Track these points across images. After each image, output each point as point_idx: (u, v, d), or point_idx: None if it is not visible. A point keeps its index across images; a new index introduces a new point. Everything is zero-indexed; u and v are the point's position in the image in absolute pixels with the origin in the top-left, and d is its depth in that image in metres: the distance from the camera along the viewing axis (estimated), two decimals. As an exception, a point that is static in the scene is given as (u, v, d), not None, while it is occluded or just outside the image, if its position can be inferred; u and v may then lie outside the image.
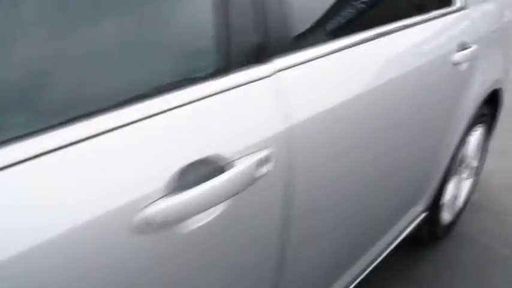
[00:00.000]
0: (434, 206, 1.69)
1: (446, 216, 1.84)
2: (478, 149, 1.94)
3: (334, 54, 0.92)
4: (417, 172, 1.43)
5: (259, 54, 0.78)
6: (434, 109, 1.35)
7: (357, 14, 1.05)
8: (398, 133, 1.17)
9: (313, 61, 0.87)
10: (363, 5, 1.07)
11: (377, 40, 1.06)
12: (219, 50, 0.73)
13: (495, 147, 2.20)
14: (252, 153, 0.72)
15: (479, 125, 1.81)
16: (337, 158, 0.94)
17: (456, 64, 1.36)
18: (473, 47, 1.43)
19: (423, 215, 1.64)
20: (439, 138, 1.47)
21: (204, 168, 0.67)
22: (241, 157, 0.71)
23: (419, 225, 1.63)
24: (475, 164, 1.97)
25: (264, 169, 0.74)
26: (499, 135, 2.13)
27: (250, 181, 0.71)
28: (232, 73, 0.74)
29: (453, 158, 1.65)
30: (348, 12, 1.02)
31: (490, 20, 1.66)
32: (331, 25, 0.97)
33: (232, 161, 0.70)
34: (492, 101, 1.82)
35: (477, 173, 2.03)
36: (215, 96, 0.71)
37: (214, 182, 0.66)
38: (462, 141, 1.67)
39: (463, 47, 1.39)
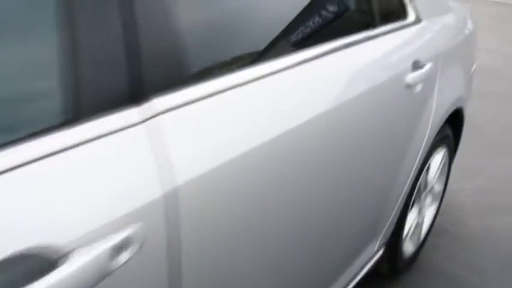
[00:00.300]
0: (395, 241, 1.52)
1: (408, 248, 1.69)
2: (442, 173, 1.79)
3: (242, 87, 0.72)
4: (371, 207, 1.26)
5: (130, 93, 0.58)
6: (389, 137, 1.19)
7: (281, 31, 0.86)
8: (343, 168, 1.00)
9: (210, 98, 0.67)
10: (291, 20, 0.88)
11: (306, 64, 0.87)
12: (64, 91, 0.53)
13: (456, 164, 2.08)
14: (105, 236, 0.52)
15: (441, 147, 1.66)
16: (255, 214, 0.75)
17: (410, 86, 1.20)
18: (428, 65, 1.27)
19: (381, 251, 1.47)
20: (396, 167, 1.31)
21: (23, 267, 0.47)
22: (85, 245, 0.50)
23: (378, 261, 1.46)
24: (438, 188, 1.82)
25: (126, 255, 0.54)
26: (459, 151, 2.00)
27: (100, 276, 0.51)
28: (83, 122, 0.54)
29: (413, 186, 1.49)
30: (267, 30, 0.83)
31: (448, 33, 1.51)
32: (238, 49, 0.77)
33: (70, 252, 0.49)
34: (454, 120, 1.67)
35: (441, 196, 1.88)
36: (51, 157, 0.50)
37: (39, 285, 0.46)
38: (423, 167, 1.52)
39: (417, 65, 1.23)
